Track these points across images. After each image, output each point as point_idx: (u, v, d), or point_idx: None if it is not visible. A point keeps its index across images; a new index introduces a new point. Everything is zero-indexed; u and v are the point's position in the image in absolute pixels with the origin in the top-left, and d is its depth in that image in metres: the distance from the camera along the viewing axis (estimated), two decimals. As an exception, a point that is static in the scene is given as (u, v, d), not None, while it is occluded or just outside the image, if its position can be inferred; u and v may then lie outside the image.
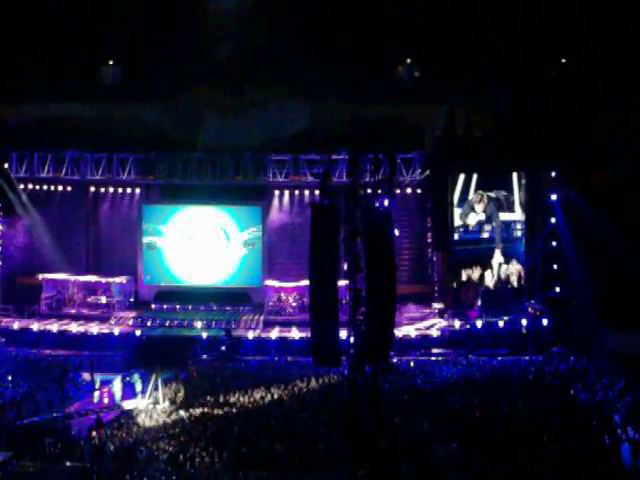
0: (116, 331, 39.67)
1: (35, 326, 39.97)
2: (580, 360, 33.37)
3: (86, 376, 33.58)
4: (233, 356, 36.73)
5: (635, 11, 37.43)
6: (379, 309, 18.72)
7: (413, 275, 44.98)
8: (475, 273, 41.69)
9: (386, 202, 19.38)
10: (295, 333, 38.63)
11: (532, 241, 41.59)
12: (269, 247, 45.70)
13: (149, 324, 41.55)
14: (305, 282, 32.64)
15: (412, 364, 34.98)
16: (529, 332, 38.51)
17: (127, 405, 29.66)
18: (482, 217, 41.62)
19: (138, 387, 30.74)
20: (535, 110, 39.91)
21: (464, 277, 41.87)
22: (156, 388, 29.56)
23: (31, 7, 39.62)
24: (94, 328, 40.08)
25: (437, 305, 42.56)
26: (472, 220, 41.61)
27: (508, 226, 41.93)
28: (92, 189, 46.21)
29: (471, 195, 41.57)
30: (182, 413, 27.26)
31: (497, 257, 41.85)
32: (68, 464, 21.76)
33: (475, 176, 41.50)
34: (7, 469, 21.09)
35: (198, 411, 27.42)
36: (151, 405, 28.94)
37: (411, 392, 28.88)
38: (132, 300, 45.61)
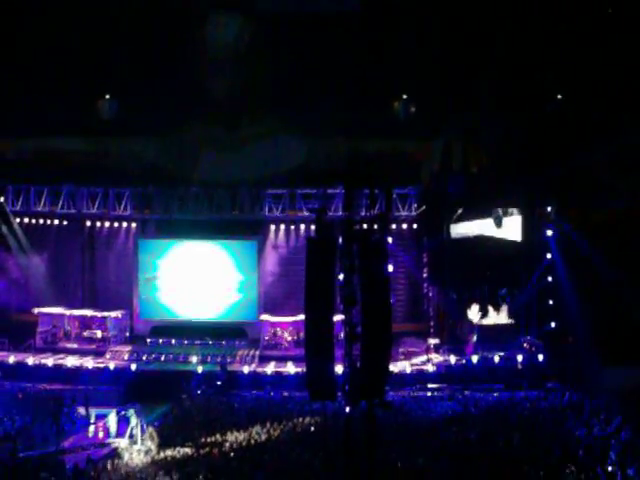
0: (111, 365, 39.54)
1: (30, 360, 39.79)
2: (576, 396, 33.34)
3: (81, 410, 33.47)
4: (228, 391, 36.63)
5: (631, 46, 37.63)
6: (375, 345, 18.68)
7: (409, 311, 44.90)
8: (472, 309, 41.64)
9: (382, 237, 19.42)
10: (291, 368, 38.48)
11: (528, 276, 41.63)
12: (265, 282, 45.61)
13: (144, 358, 41.35)
14: (301, 317, 32.74)
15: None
16: (525, 367, 38.48)
17: (117, 442, 29.53)
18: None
19: (133, 422, 30.61)
20: (531, 145, 40.02)
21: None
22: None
23: (28, 42, 39.76)
24: (89, 362, 39.92)
25: (433, 340, 42.45)
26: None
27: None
28: (88, 223, 46.09)
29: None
30: (177, 449, 27.12)
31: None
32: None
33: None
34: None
35: (192, 447, 27.28)
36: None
37: (406, 427, 28.79)
38: (128, 334, 45.37)
